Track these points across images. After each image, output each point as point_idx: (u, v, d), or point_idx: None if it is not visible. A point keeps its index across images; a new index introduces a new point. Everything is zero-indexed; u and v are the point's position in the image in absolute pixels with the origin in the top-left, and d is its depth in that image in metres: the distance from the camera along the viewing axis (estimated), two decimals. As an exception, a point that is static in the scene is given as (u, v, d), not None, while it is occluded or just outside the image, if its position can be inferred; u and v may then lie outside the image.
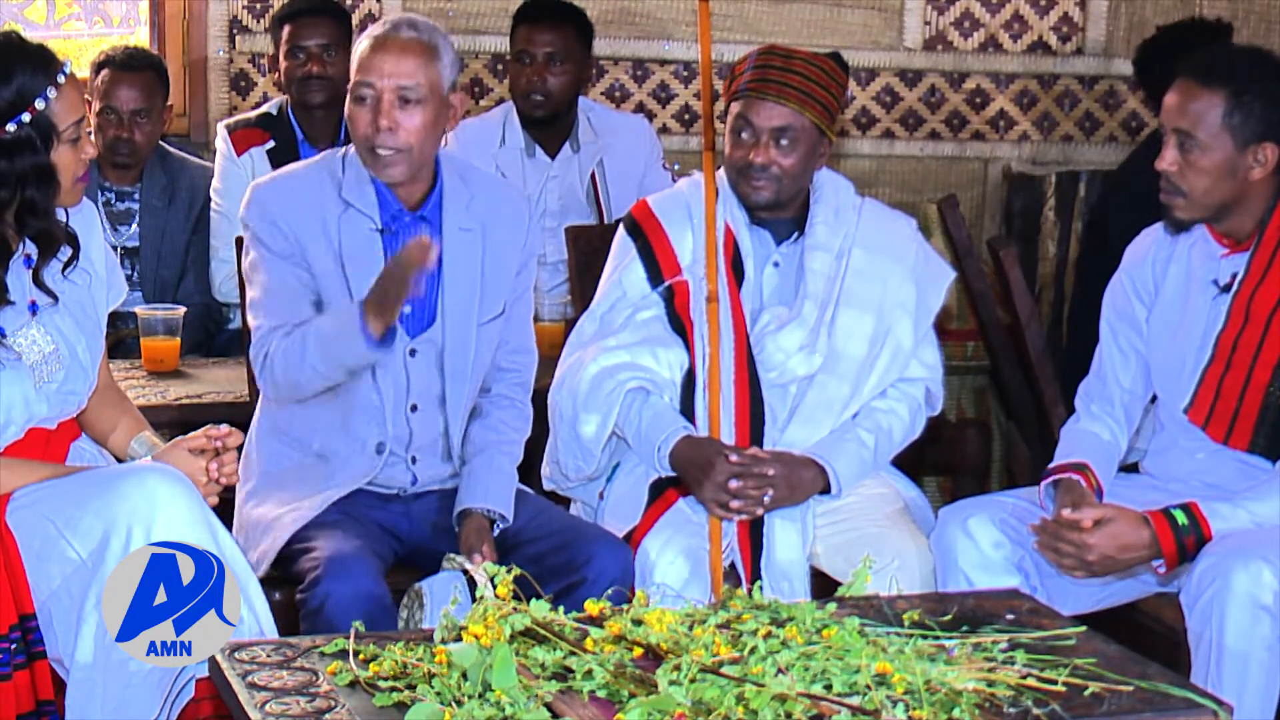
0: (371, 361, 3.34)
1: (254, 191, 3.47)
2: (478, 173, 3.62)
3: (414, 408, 3.47)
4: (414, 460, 3.50)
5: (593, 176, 4.89)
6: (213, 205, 4.80)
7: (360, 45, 3.43)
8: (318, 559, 3.23)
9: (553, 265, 4.75)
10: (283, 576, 3.33)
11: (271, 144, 4.80)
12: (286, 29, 4.84)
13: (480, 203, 3.51)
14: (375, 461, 3.45)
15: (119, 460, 3.27)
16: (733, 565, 3.53)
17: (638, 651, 2.48)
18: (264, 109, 4.93)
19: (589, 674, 2.40)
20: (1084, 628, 2.70)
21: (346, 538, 3.29)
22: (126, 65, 4.75)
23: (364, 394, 3.43)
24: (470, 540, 3.37)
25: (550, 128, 4.87)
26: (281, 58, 4.85)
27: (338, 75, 4.75)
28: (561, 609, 2.57)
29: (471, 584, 3.18)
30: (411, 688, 2.41)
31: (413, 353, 3.46)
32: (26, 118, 3.00)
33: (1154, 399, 3.62)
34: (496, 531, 3.44)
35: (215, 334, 4.82)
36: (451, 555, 3.32)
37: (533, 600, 2.55)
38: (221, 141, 4.83)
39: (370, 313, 3.22)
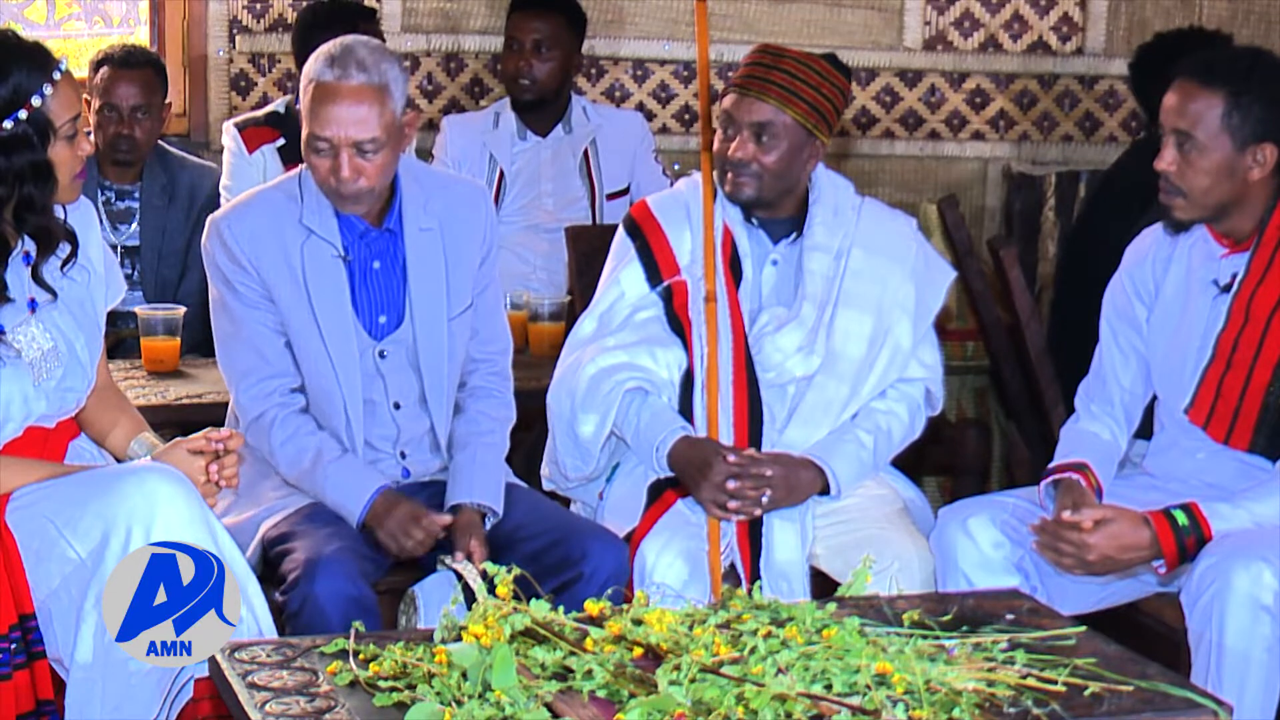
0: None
1: (213, 224, 3.45)
2: (432, 172, 3.64)
3: (396, 405, 3.48)
4: (403, 455, 3.51)
5: (585, 153, 5.07)
6: (221, 203, 4.79)
7: (306, 87, 3.35)
8: (297, 560, 3.23)
9: (548, 231, 4.98)
10: (272, 578, 3.32)
11: (282, 141, 4.81)
12: None
13: (436, 201, 3.50)
14: None
15: (118, 460, 3.26)
16: (732, 566, 3.53)
17: (638, 651, 2.48)
18: (270, 108, 4.93)
19: (589, 674, 2.40)
20: (1084, 628, 2.70)
21: (328, 539, 3.28)
22: (125, 63, 4.75)
23: (333, 429, 3.45)
24: (460, 537, 3.37)
25: (540, 110, 5.07)
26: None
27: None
28: (561, 609, 2.57)
29: (467, 585, 3.18)
30: (411, 688, 2.41)
31: (382, 354, 3.46)
32: (23, 115, 3.00)
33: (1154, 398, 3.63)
34: (489, 525, 3.44)
35: (215, 334, 4.81)
36: (443, 557, 3.32)
37: (533, 600, 2.55)
38: (230, 140, 4.83)
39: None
